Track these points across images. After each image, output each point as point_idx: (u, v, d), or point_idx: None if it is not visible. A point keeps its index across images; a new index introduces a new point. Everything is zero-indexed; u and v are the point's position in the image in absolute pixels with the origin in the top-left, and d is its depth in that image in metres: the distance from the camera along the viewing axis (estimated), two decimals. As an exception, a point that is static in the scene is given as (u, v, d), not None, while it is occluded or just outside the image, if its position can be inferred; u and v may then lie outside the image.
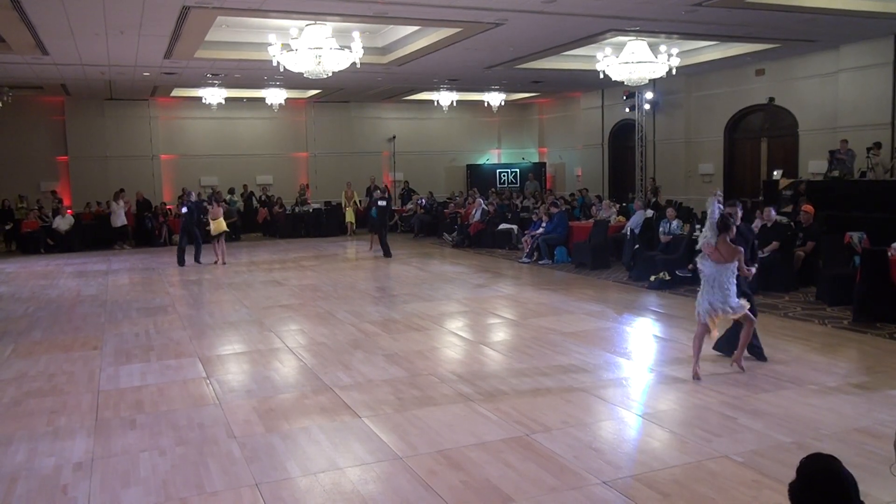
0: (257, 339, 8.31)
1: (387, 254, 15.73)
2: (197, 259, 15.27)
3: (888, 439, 4.86)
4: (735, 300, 6.24)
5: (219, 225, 15.26)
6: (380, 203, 16.30)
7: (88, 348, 8.06)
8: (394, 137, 24.86)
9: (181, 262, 15.11)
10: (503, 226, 17.16)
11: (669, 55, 13.48)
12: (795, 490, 2.08)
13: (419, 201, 22.07)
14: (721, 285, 6.19)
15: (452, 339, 8.20)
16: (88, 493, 4.34)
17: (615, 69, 13.74)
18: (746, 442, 4.85)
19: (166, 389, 6.42)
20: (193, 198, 15.60)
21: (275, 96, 19.80)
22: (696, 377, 6.25)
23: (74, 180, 21.35)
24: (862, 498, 2.06)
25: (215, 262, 15.05)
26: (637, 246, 12.42)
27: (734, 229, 6.25)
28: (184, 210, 15.48)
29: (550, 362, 6.98)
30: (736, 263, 6.22)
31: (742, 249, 6.30)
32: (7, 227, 19.06)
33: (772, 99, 17.11)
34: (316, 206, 21.97)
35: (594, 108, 22.91)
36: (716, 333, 6.40)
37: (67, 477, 4.59)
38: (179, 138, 22.76)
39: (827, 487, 2.02)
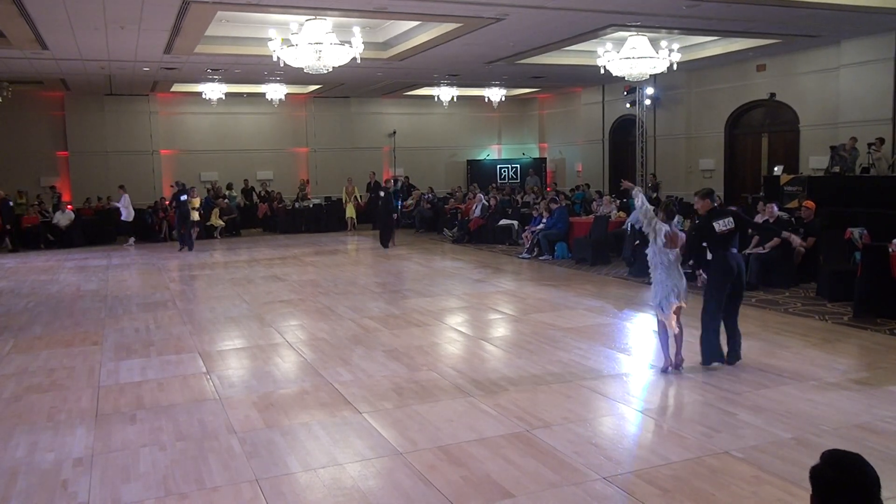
0: (257, 335, 8.31)
1: (384, 244, 16.48)
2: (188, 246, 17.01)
3: (889, 435, 4.86)
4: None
5: (193, 214, 17.39)
6: (380, 194, 16.95)
7: (88, 343, 8.06)
8: (394, 133, 24.84)
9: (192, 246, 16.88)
10: (503, 221, 17.15)
11: (670, 50, 13.47)
12: (818, 471, 2.04)
13: (425, 196, 22.04)
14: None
15: (452, 335, 8.19)
16: (89, 488, 4.34)
17: (616, 64, 13.72)
18: (746, 438, 4.85)
19: (166, 385, 6.42)
20: (176, 189, 17.39)
21: (275, 92, 19.77)
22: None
23: (74, 176, 21.35)
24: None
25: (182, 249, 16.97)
26: (637, 242, 12.40)
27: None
28: (183, 198, 16.94)
29: (550, 358, 6.98)
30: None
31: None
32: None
33: (773, 94, 17.08)
34: (316, 201, 21.98)
35: (595, 103, 22.87)
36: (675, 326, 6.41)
37: (68, 472, 4.60)
38: (179, 133, 22.74)
39: (853, 472, 2.00)
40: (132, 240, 18.61)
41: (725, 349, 6.54)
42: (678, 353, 6.43)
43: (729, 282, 6.44)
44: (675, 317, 6.35)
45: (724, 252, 6.44)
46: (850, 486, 1.99)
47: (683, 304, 6.40)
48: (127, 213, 18.36)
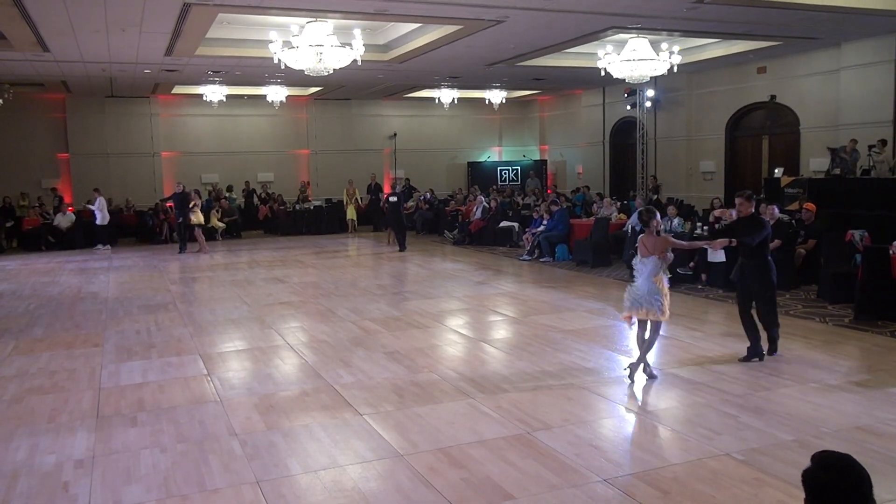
0: (258, 337, 8.32)
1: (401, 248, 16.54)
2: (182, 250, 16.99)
3: (889, 437, 4.86)
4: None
5: (196, 217, 17.13)
6: (391, 199, 16.85)
7: (90, 345, 8.07)
8: (395, 135, 24.85)
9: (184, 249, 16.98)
10: (504, 223, 17.16)
11: (671, 53, 13.46)
12: (810, 474, 2.04)
13: (422, 196, 22.04)
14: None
15: (453, 337, 8.20)
16: (89, 491, 4.35)
17: (616, 67, 13.72)
18: (747, 440, 4.85)
19: (167, 387, 6.42)
20: (178, 189, 17.04)
21: (276, 93, 19.79)
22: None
23: (75, 178, 21.33)
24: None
25: (198, 251, 16.88)
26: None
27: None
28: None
29: (551, 360, 6.98)
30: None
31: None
32: (8, 225, 19.06)
33: (773, 97, 17.09)
34: (317, 203, 21.99)
35: (595, 105, 22.88)
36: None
37: (68, 474, 4.60)
38: (180, 135, 22.74)
39: (844, 473, 2.01)
40: (109, 245, 18.33)
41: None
42: (645, 363, 6.24)
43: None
44: (629, 318, 6.22)
45: (769, 254, 6.70)
46: (843, 488, 2.00)
47: (648, 315, 6.11)
48: (101, 217, 18.00)
